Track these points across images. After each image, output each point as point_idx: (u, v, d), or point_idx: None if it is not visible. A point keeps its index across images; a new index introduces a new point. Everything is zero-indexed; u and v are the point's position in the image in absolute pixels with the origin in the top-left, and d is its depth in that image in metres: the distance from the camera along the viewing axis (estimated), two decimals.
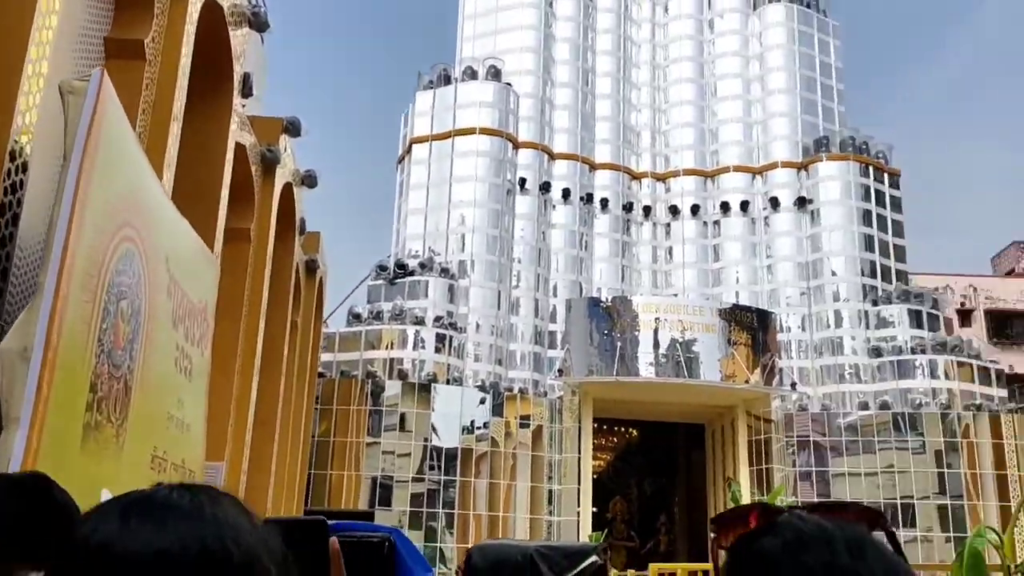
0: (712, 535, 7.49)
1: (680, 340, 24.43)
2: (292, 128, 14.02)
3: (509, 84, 29.20)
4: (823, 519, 1.06)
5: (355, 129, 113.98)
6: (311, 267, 17.90)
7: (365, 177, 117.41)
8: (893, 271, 28.30)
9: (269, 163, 13.35)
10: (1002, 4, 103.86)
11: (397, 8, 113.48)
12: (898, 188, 29.66)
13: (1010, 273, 42.14)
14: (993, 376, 25.70)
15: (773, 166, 29.82)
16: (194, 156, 9.91)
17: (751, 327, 25.39)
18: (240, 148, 12.00)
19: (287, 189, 14.51)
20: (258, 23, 10.84)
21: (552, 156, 29.69)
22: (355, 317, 25.41)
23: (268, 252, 13.53)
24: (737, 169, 30.18)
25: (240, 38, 11.24)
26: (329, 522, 6.77)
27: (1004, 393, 25.89)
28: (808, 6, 32.19)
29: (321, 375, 23.38)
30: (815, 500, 23.90)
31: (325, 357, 24.38)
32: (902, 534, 22.68)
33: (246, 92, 11.91)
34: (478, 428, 23.77)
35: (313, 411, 21.01)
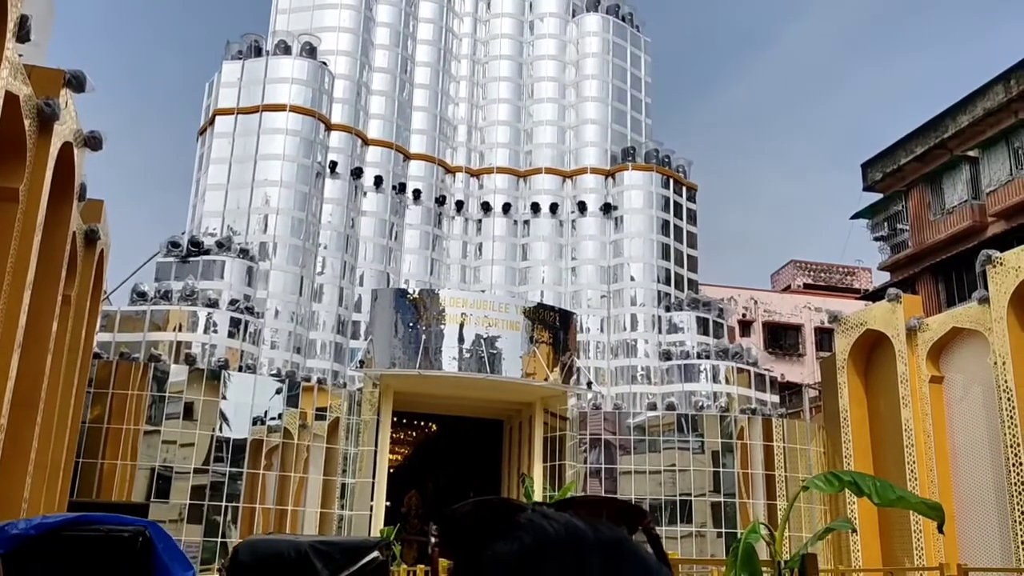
0: (434, 538, 6.48)
1: (484, 336, 24.50)
2: (76, 82, 12.69)
3: (324, 63, 28.20)
4: (576, 518, 0.86)
5: (157, 96, 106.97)
6: (91, 237, 16.39)
7: (165, 148, 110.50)
8: (685, 280, 29.79)
9: (46, 118, 12.03)
10: (800, 35, 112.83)
11: None
12: (694, 202, 31.28)
13: (786, 289, 45.81)
14: (768, 382, 27.63)
15: (583, 171, 30.60)
16: None
17: (553, 326, 25.89)
18: (12, 98, 10.70)
19: (66, 149, 13.15)
20: None
21: (366, 142, 28.99)
22: (140, 296, 23.61)
23: (39, 217, 12.20)
24: (549, 171, 30.73)
25: None
26: (71, 514, 6.02)
27: (776, 399, 27.92)
28: (623, 20, 33.31)
29: (97, 356, 21.54)
30: (579, 496, 24.76)
31: (103, 337, 22.50)
32: (679, 530, 23.90)
33: (22, 36, 10.64)
34: (271, 419, 22.74)
35: (85, 394, 19.29)
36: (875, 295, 31.37)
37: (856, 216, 34.69)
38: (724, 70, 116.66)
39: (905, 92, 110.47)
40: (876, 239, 33.78)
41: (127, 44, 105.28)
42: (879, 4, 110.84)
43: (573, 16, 32.98)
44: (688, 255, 30.21)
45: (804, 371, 39.49)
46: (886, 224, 33.27)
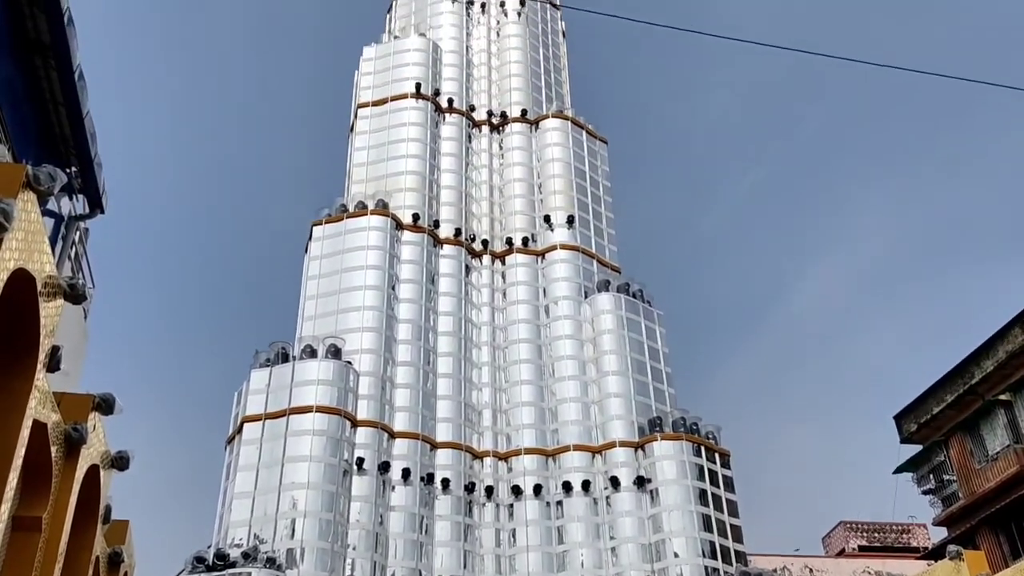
0: None
1: None
2: (104, 405, 12.92)
3: (349, 363, 29.00)
4: None
5: (189, 408, 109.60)
6: (114, 560, 15.91)
7: (194, 460, 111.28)
8: (732, 552, 28.35)
9: (74, 443, 12.11)
10: (807, 295, 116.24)
11: (243, 286, 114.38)
12: (729, 468, 30.56)
13: (840, 553, 43.31)
14: None
15: (611, 445, 30.26)
16: None
17: None
18: (39, 427, 10.84)
19: (92, 472, 13.13)
20: (75, 295, 10.22)
21: (392, 435, 29.05)
22: None
23: (61, 544, 11.90)
24: (577, 448, 30.42)
25: (52, 310, 10.52)
26: None
27: None
28: (634, 296, 34.57)
29: None
30: None
31: None
32: None
33: (53, 366, 10.98)
34: None
35: None
36: (936, 553, 29.53)
37: (899, 470, 33.51)
38: (741, 333, 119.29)
39: (922, 336, 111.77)
40: (924, 492, 32.37)
41: (159, 359, 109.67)
42: (880, 258, 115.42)
43: (586, 297, 34.31)
44: (731, 524, 28.97)
45: None
46: (931, 476, 32.04)
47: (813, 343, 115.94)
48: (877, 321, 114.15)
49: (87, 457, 13.25)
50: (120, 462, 14.92)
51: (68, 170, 15.87)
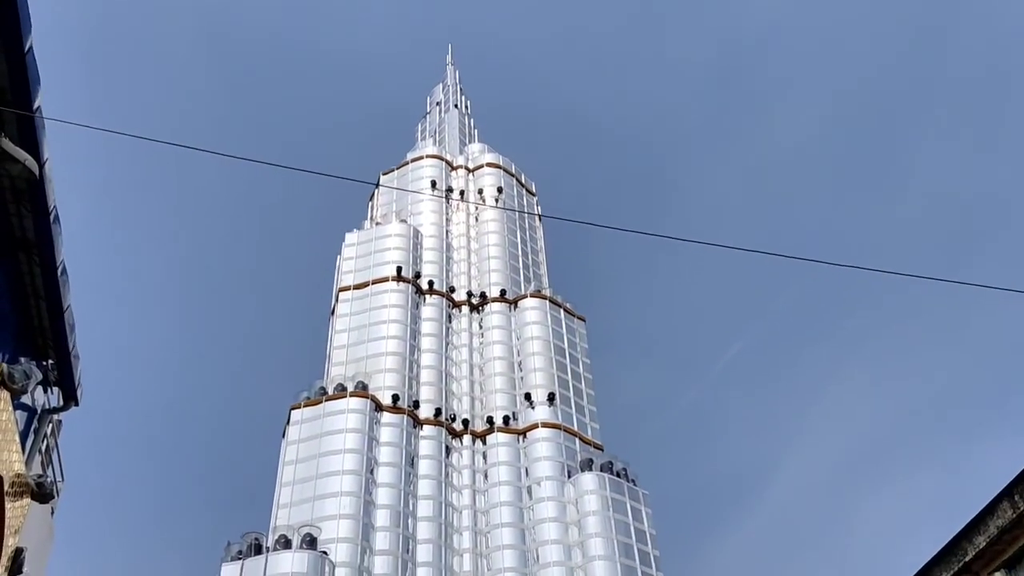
0: None
1: None
2: None
3: (325, 552, 27.90)
4: None
5: None
6: None
7: None
8: None
9: None
10: (798, 466, 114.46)
11: (219, 476, 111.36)
12: None
13: None
14: None
15: None
16: None
17: None
18: None
19: None
20: (42, 494, 9.96)
21: None
22: None
23: None
24: None
25: (19, 510, 10.23)
26: None
27: None
28: (618, 475, 34.00)
29: None
30: None
31: None
32: None
33: (15, 569, 10.54)
34: None
35: None
36: None
37: None
38: (729, 512, 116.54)
39: (915, 510, 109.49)
40: None
41: (127, 554, 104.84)
42: (866, 433, 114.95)
43: (569, 476, 33.67)
44: None
45: None
46: None
47: (807, 523, 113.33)
48: (867, 497, 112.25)
49: None
50: None
51: (45, 363, 15.78)
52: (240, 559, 27.38)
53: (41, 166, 9.26)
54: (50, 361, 15.86)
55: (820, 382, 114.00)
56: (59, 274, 11.62)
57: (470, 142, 55.59)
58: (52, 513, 18.38)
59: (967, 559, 28.94)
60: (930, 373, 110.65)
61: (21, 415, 16.03)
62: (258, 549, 27.71)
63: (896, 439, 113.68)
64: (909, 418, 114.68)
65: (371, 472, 31.40)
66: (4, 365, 8.47)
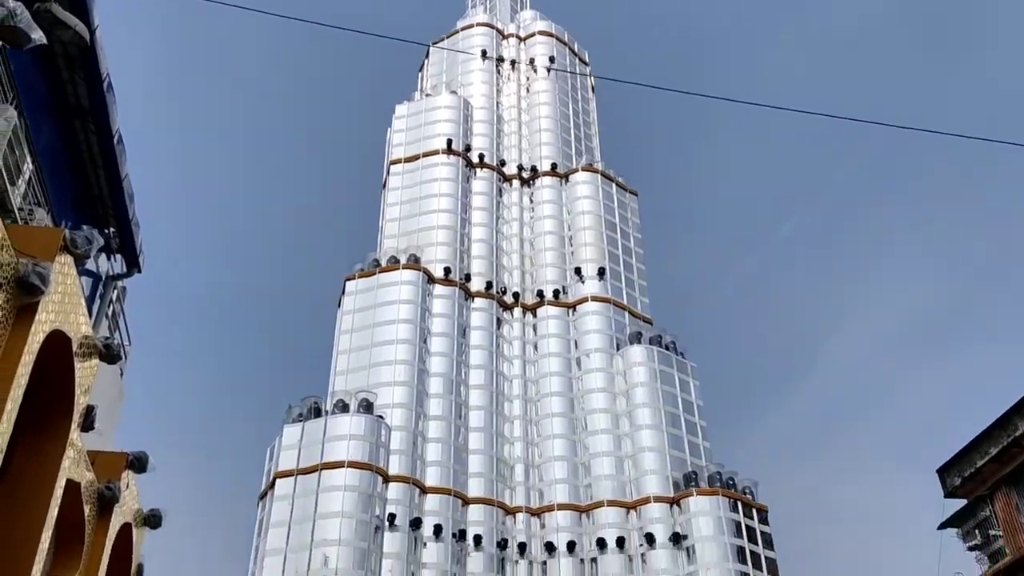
0: None
1: None
2: (138, 463, 12.97)
3: (381, 417, 28.97)
4: None
5: (222, 464, 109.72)
6: None
7: (226, 515, 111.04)
8: None
9: (107, 502, 12.16)
10: (849, 344, 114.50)
11: (279, 343, 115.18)
12: (767, 523, 29.87)
13: None
14: None
15: (646, 501, 29.78)
16: (13, 497, 8.87)
17: None
18: (73, 486, 10.91)
19: (125, 530, 13.14)
20: (110, 355, 10.35)
21: (424, 490, 28.84)
22: None
23: None
24: (611, 504, 29.97)
25: (87, 370, 10.66)
26: None
27: None
28: (666, 348, 34.28)
29: None
30: None
31: None
32: None
33: (87, 426, 11.06)
34: None
35: None
36: None
37: (944, 526, 32.54)
38: (775, 386, 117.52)
39: (960, 386, 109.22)
40: (970, 549, 31.36)
41: (193, 416, 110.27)
42: (920, 308, 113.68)
43: (617, 349, 34.08)
44: None
45: None
46: (977, 531, 31.00)
47: (854, 396, 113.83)
48: (919, 375, 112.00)
49: (120, 515, 13.27)
50: (152, 520, 14.91)
51: (106, 231, 16.20)
52: (301, 421, 28.61)
53: (92, 32, 9.20)
54: (111, 229, 16.27)
55: (874, 256, 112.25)
56: (115, 142, 11.72)
57: (521, 9, 53.96)
58: (121, 375, 19.26)
59: (1017, 434, 28.81)
60: (992, 243, 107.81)
61: (86, 281, 16.58)
62: (317, 412, 28.89)
63: (951, 312, 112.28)
64: (965, 292, 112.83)
65: (424, 342, 32.14)
66: (66, 231, 8.66)
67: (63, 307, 9.22)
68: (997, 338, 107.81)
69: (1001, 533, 30.58)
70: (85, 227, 9.92)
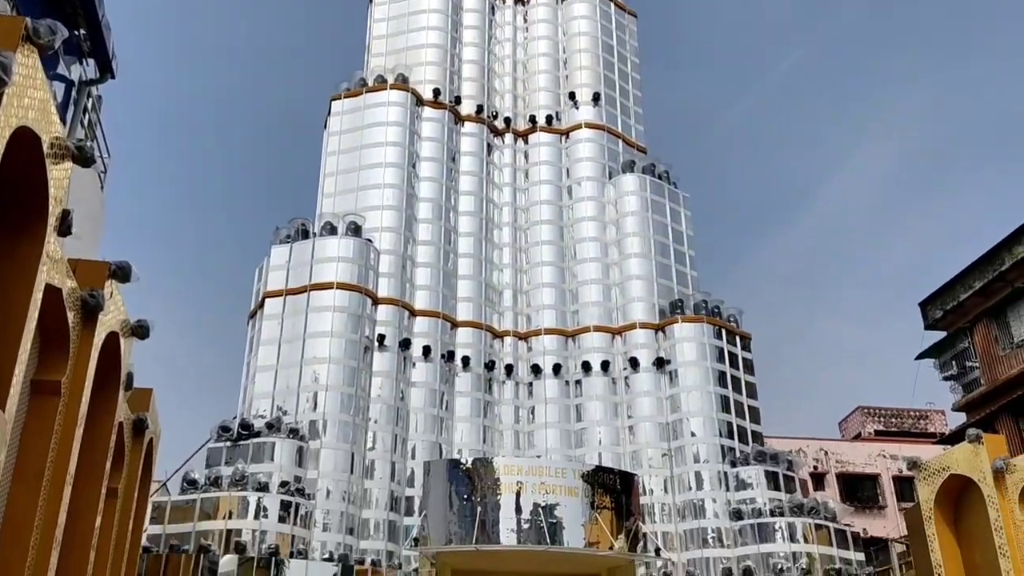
0: None
1: (543, 504, 23.41)
2: (121, 273, 12.79)
3: (369, 240, 28.83)
4: None
5: (210, 282, 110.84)
6: (139, 427, 16.16)
7: (219, 334, 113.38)
8: (749, 432, 28.63)
9: (91, 309, 12.06)
10: (841, 186, 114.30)
11: (264, 163, 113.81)
12: (749, 351, 30.53)
13: (857, 437, 43.86)
14: (850, 539, 25.80)
15: (632, 327, 30.22)
16: None
17: (614, 490, 24.73)
18: (54, 292, 10.74)
19: (112, 339, 13.12)
20: (83, 158, 9.90)
21: (413, 313, 29.13)
22: (190, 484, 23.23)
23: (81, 409, 11.99)
24: (597, 329, 30.42)
25: (60, 172, 10.22)
26: None
27: (862, 556, 25.97)
28: (660, 177, 33.84)
29: (147, 550, 20.92)
30: None
31: (153, 529, 21.97)
32: None
33: (64, 231, 10.75)
34: None
35: None
36: (953, 438, 29.71)
37: (921, 356, 33.42)
38: (767, 223, 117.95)
39: (954, 231, 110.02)
40: (945, 379, 32.35)
41: (180, 235, 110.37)
42: (915, 150, 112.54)
43: (610, 178, 33.63)
44: (749, 406, 29.18)
45: (887, 524, 37.08)
46: (954, 363, 31.95)
47: (844, 235, 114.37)
48: (912, 215, 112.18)
49: (105, 324, 13.21)
50: (140, 331, 14.91)
51: (76, 32, 15.29)
52: (288, 242, 28.43)
53: None
54: (81, 31, 15.36)
55: (878, 94, 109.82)
56: None
57: None
58: (101, 187, 18.82)
59: (1003, 268, 29.13)
60: (1001, 92, 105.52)
61: (59, 87, 15.85)
62: (305, 234, 28.66)
63: (952, 158, 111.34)
64: (969, 136, 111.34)
65: (413, 166, 31.54)
66: (27, 19, 8.01)
67: (30, 103, 8.70)
68: (993, 185, 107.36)
69: (978, 364, 31.41)
70: (49, 19, 9.23)
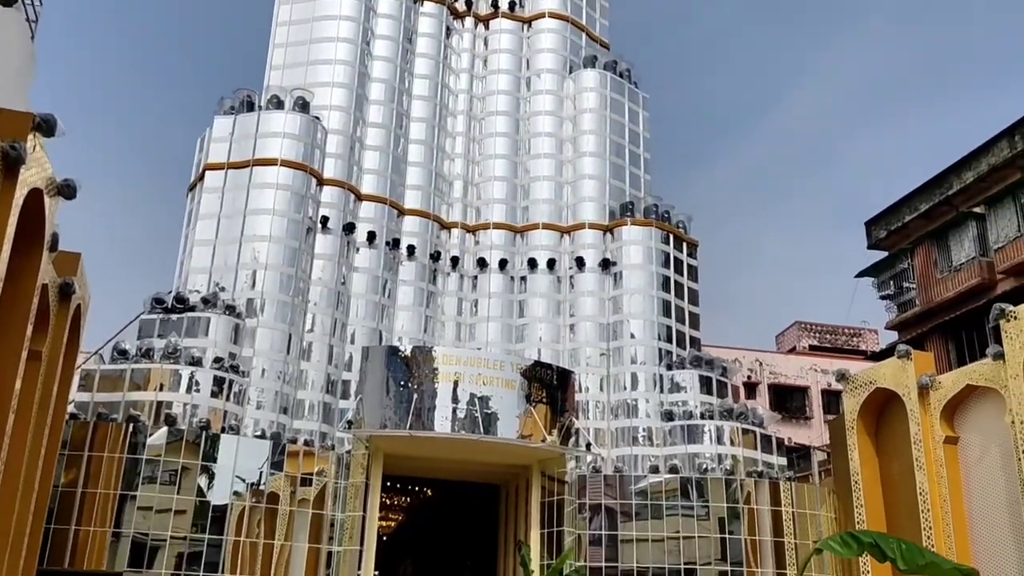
0: None
1: (479, 395, 23.58)
2: (45, 126, 12.06)
3: (317, 118, 27.81)
4: None
5: (148, 152, 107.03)
6: (65, 291, 15.60)
7: (157, 206, 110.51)
8: (687, 338, 29.00)
9: (11, 162, 11.38)
10: (799, 100, 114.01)
11: (206, 29, 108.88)
12: (695, 258, 30.65)
13: (791, 351, 44.99)
14: (774, 445, 26.61)
15: (580, 227, 30.04)
16: None
17: (551, 385, 24.99)
18: None
19: (35, 196, 12.45)
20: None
21: (359, 197, 28.46)
22: (120, 353, 22.75)
23: (1, 266, 11.44)
24: (546, 227, 30.18)
25: None
26: None
27: (784, 462, 26.86)
28: (621, 75, 33.12)
29: (74, 416, 20.61)
30: (603, 565, 23.60)
31: (81, 397, 21.59)
32: None
33: None
34: (255, 483, 21.68)
35: (58, 457, 18.29)
36: (882, 355, 30.54)
37: (861, 275, 34.03)
38: (722, 133, 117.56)
39: (908, 155, 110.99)
40: (882, 298, 33.06)
41: (120, 102, 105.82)
42: (878, 67, 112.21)
43: (570, 72, 32.79)
44: (690, 312, 29.47)
45: (812, 434, 38.45)
46: (892, 283, 32.60)
47: (801, 154, 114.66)
48: (871, 134, 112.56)
49: (27, 181, 12.57)
50: (67, 190, 14.24)
51: None
52: (233, 114, 27.29)
53: None
54: None
55: (843, 18, 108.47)
56: None
57: None
58: (32, 38, 17.60)
59: (950, 193, 29.29)
60: (972, 14, 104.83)
61: None
62: (251, 107, 27.50)
63: (909, 82, 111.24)
64: (928, 62, 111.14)
65: (367, 44, 30.26)
66: None
67: None
68: (958, 107, 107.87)
69: (915, 285, 32.02)
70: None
